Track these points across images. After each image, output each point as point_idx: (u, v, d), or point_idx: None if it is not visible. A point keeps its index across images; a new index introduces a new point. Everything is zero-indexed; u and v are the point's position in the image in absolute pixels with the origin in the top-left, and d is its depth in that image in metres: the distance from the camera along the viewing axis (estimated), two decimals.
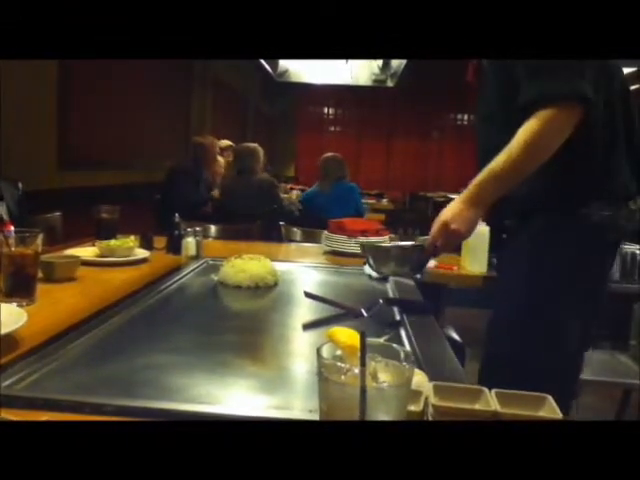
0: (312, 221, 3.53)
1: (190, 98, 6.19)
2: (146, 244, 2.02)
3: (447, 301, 2.52)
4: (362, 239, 2.23)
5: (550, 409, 0.73)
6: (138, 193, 4.31)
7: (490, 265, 2.34)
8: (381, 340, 0.86)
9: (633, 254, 2.95)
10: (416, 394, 0.73)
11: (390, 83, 7.39)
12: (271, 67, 6.91)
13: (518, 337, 1.38)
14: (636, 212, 1.39)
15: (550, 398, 0.74)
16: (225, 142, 5.48)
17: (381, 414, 0.60)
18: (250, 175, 4.12)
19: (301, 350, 1.18)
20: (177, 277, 1.70)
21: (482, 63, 1.52)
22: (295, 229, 3.27)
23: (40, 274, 1.38)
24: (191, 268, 1.84)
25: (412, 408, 0.71)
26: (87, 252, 1.84)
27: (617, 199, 1.37)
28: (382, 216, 5.44)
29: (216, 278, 1.67)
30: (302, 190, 6.03)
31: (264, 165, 4.54)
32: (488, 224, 1.60)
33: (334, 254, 2.25)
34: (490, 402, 0.72)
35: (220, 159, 5.03)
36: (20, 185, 2.44)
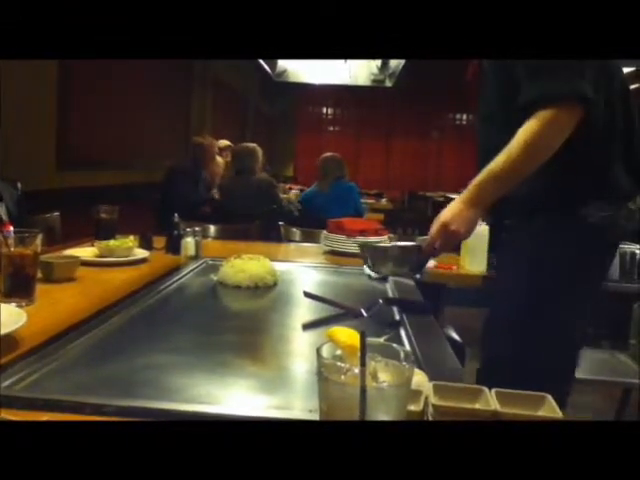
0: (311, 221, 3.53)
1: (190, 98, 6.19)
2: (145, 244, 2.02)
3: (447, 301, 2.52)
4: (361, 239, 2.23)
5: (550, 408, 0.73)
6: (138, 193, 4.31)
7: (490, 265, 2.34)
8: (381, 340, 0.86)
9: (632, 253, 2.95)
10: (416, 394, 0.74)
11: (389, 83, 7.39)
12: (269, 67, 6.91)
13: (517, 337, 1.38)
14: (636, 212, 1.39)
15: (550, 397, 0.74)
16: (224, 142, 5.48)
17: (381, 414, 0.60)
18: (249, 175, 4.12)
19: (301, 350, 1.18)
20: (176, 277, 1.70)
21: (482, 63, 1.52)
22: (294, 229, 3.27)
23: (39, 274, 1.38)
24: (190, 268, 1.84)
25: (412, 408, 0.71)
26: (86, 252, 1.84)
27: (617, 199, 1.37)
28: (381, 216, 5.44)
29: (215, 278, 1.67)
30: (301, 190, 6.03)
31: (263, 165, 4.54)
32: (488, 224, 1.60)
33: (333, 254, 2.25)
34: (490, 402, 0.72)
35: (219, 159, 5.03)
36: (19, 185, 2.44)
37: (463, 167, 9.30)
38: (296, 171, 10.65)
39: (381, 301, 1.42)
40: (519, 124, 1.29)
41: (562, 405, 0.74)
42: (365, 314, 1.33)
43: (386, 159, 10.73)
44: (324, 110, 11.06)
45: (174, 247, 2.00)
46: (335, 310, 1.37)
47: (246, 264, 1.64)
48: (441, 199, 7.64)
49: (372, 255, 1.57)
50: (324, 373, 0.62)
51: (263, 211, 3.91)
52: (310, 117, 11.00)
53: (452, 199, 1.42)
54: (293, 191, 6.24)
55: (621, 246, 2.71)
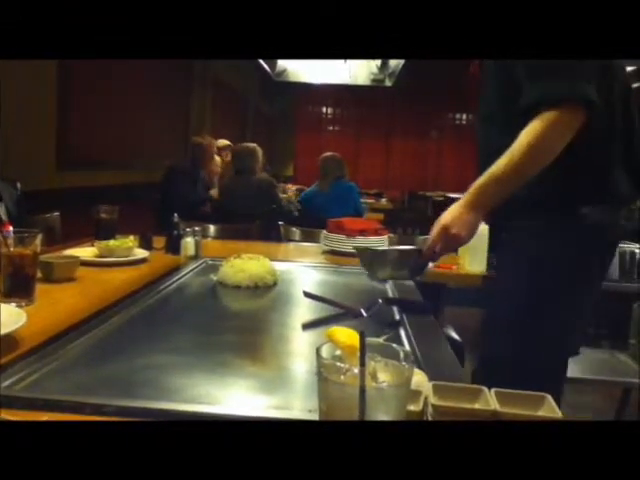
0: (311, 221, 3.53)
1: (190, 98, 6.18)
2: (145, 244, 2.02)
3: (447, 301, 2.53)
4: (361, 239, 2.23)
5: (549, 408, 0.73)
6: (138, 193, 4.31)
7: (489, 265, 2.33)
8: (380, 340, 0.86)
9: (632, 253, 2.95)
10: (416, 394, 0.74)
11: (388, 83, 7.39)
12: (269, 67, 6.91)
13: (517, 336, 1.38)
14: (635, 212, 1.38)
15: (549, 397, 0.74)
16: (223, 142, 5.48)
17: (381, 414, 0.60)
18: (249, 175, 4.12)
19: (300, 350, 1.18)
20: (176, 277, 1.70)
21: (483, 62, 1.51)
22: (294, 229, 3.27)
23: (39, 274, 1.38)
24: (190, 268, 1.84)
25: (412, 408, 0.71)
26: (86, 252, 1.84)
27: (617, 199, 1.36)
28: (381, 215, 5.44)
29: (215, 278, 1.67)
30: (300, 190, 6.02)
31: (263, 165, 4.54)
32: (488, 224, 1.60)
33: (333, 254, 2.25)
34: (490, 401, 0.72)
35: (217, 158, 5.04)
36: (19, 185, 2.44)
37: (463, 167, 9.31)
38: (296, 171, 10.65)
39: (381, 301, 1.42)
40: (519, 125, 1.28)
41: (557, 405, 0.74)
42: (365, 314, 1.33)
43: (386, 159, 10.73)
44: (324, 110, 11.06)
45: (174, 247, 2.00)
46: (335, 310, 1.37)
47: (246, 264, 1.64)
48: (441, 199, 7.64)
49: (370, 259, 1.56)
50: (324, 373, 0.62)
51: (263, 211, 3.91)
52: (310, 117, 11.00)
53: (452, 199, 1.42)
54: (290, 190, 6.22)
55: (621, 245, 2.71)
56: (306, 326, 1.28)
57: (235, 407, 0.85)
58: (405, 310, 1.39)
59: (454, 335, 1.47)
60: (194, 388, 0.91)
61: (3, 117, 2.84)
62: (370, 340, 0.64)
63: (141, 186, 4.51)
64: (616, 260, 2.85)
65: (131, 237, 1.98)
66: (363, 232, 2.28)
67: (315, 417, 0.67)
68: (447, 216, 1.39)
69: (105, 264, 1.78)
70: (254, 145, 4.26)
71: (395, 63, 6.72)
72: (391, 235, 2.51)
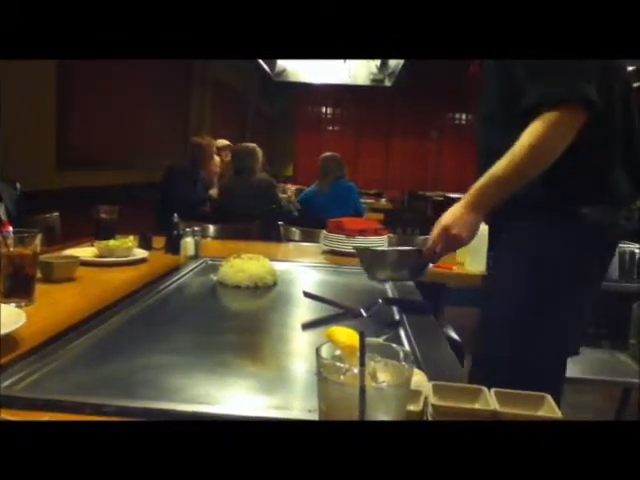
0: (311, 221, 3.53)
1: (189, 98, 6.18)
2: (145, 244, 2.02)
3: (447, 301, 2.52)
4: (360, 239, 2.23)
5: (549, 408, 0.73)
6: (137, 193, 4.31)
7: (489, 264, 2.33)
8: (380, 340, 0.86)
9: (632, 253, 2.95)
10: (415, 394, 0.74)
11: (388, 82, 7.40)
12: (269, 67, 6.92)
13: (517, 336, 1.38)
14: (635, 212, 1.38)
15: (549, 397, 0.74)
16: (222, 142, 5.48)
17: (380, 414, 0.60)
18: (249, 175, 4.12)
19: (300, 350, 1.18)
20: (176, 277, 1.70)
21: (483, 62, 1.51)
22: (294, 229, 3.27)
23: (39, 274, 1.38)
24: (190, 268, 1.84)
25: (411, 408, 0.71)
26: (86, 252, 1.84)
27: (617, 199, 1.36)
28: (381, 215, 5.44)
29: (215, 278, 1.67)
30: (299, 190, 6.01)
31: (263, 165, 4.54)
32: (487, 224, 1.60)
33: (333, 254, 2.25)
34: (489, 401, 0.72)
35: (216, 158, 5.04)
36: (18, 185, 2.44)
37: (463, 167, 9.31)
38: (296, 171, 10.65)
39: (381, 301, 1.42)
40: (519, 125, 1.28)
41: (557, 405, 0.74)
42: (365, 314, 1.33)
43: (386, 159, 10.73)
44: (323, 110, 11.06)
45: (174, 247, 2.00)
46: (335, 310, 1.37)
47: (246, 264, 1.64)
48: (441, 199, 7.64)
49: (370, 260, 1.56)
50: (323, 373, 0.62)
51: (263, 211, 3.91)
52: (310, 117, 11.00)
53: (452, 199, 1.42)
54: (290, 191, 6.21)
55: (621, 245, 2.71)
56: (306, 326, 1.28)
57: (235, 407, 0.85)
58: (405, 310, 1.39)
59: (454, 335, 1.47)
60: (194, 388, 0.91)
61: (3, 117, 2.84)
62: (370, 340, 0.64)
63: (141, 186, 4.51)
64: (616, 260, 2.85)
65: (131, 237, 1.98)
66: (363, 232, 2.28)
67: (315, 417, 0.67)
68: (448, 217, 1.39)
69: (105, 264, 1.78)
70: (254, 145, 4.27)
71: (395, 63, 6.73)
72: (391, 235, 2.51)
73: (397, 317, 1.36)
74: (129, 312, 1.31)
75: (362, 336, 0.62)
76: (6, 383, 0.85)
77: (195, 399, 0.86)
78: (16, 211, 2.23)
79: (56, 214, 2.79)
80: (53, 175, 3.51)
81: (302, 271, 1.97)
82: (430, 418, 0.72)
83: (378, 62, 7.00)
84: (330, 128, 11.07)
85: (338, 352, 0.67)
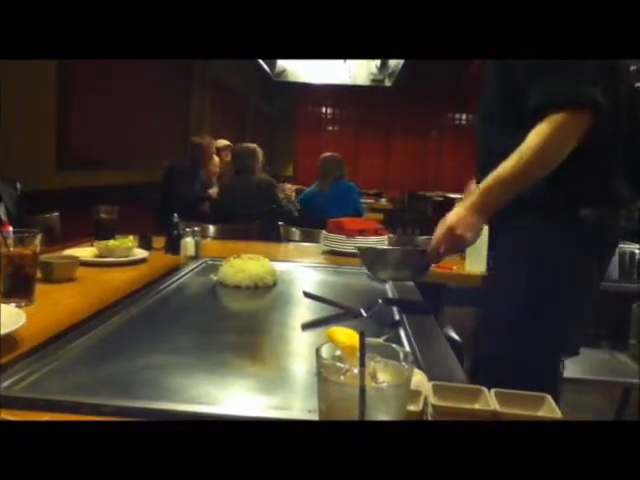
0: (311, 221, 3.53)
1: (189, 98, 6.18)
2: (145, 244, 2.02)
3: (447, 301, 2.52)
4: (360, 239, 2.23)
5: (549, 409, 0.73)
6: (137, 193, 4.31)
7: (489, 264, 2.33)
8: (380, 340, 0.86)
9: (632, 253, 2.95)
10: (415, 394, 0.74)
11: (388, 82, 7.39)
12: (269, 67, 6.91)
13: (516, 336, 1.38)
14: (635, 212, 1.38)
15: (549, 398, 0.74)
16: (222, 142, 5.48)
17: (380, 414, 0.60)
18: (249, 175, 4.12)
19: (300, 350, 1.18)
20: (176, 277, 1.70)
21: (485, 61, 1.51)
22: (294, 229, 3.27)
23: (39, 274, 1.38)
24: (190, 268, 1.84)
25: (411, 408, 0.71)
26: (86, 252, 1.84)
27: (618, 200, 1.36)
28: (381, 215, 5.43)
29: (215, 278, 1.67)
30: (298, 190, 6.00)
31: (263, 165, 4.54)
32: (487, 224, 1.60)
33: (333, 254, 2.25)
34: (489, 402, 0.72)
35: (215, 158, 5.04)
36: (18, 185, 2.44)
37: (463, 167, 9.29)
38: (296, 171, 10.65)
39: (381, 301, 1.42)
40: (520, 125, 1.28)
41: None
42: (365, 314, 1.33)
43: (385, 159, 10.73)
44: (323, 110, 11.06)
45: (173, 247, 2.00)
46: (335, 310, 1.37)
47: (246, 264, 1.64)
48: (441, 199, 7.64)
49: (372, 259, 1.55)
50: (323, 373, 0.62)
51: (263, 211, 3.91)
52: (309, 117, 11.00)
53: (452, 199, 1.42)
54: (289, 190, 6.19)
55: (620, 246, 2.71)
56: (306, 326, 1.28)
57: (235, 407, 0.85)
58: (405, 310, 1.39)
59: (454, 335, 1.47)
60: (194, 388, 0.91)
61: (3, 117, 2.84)
62: (370, 340, 0.64)
63: (141, 186, 4.51)
64: (616, 260, 2.86)
65: (131, 237, 1.98)
66: (363, 232, 2.28)
67: (315, 417, 0.67)
68: (452, 217, 1.38)
69: (105, 264, 1.78)
70: (254, 145, 4.27)
71: (395, 63, 6.72)
72: (391, 235, 2.51)
73: (397, 317, 1.36)
74: (129, 312, 1.31)
75: (362, 336, 0.62)
76: (6, 383, 0.85)
77: (195, 399, 0.86)
78: (16, 211, 2.23)
79: (56, 214, 2.79)
80: (53, 175, 3.51)
81: (302, 271, 1.97)
82: (430, 418, 0.72)
83: (378, 62, 6.99)
84: (330, 128, 11.07)
85: (338, 352, 0.67)
